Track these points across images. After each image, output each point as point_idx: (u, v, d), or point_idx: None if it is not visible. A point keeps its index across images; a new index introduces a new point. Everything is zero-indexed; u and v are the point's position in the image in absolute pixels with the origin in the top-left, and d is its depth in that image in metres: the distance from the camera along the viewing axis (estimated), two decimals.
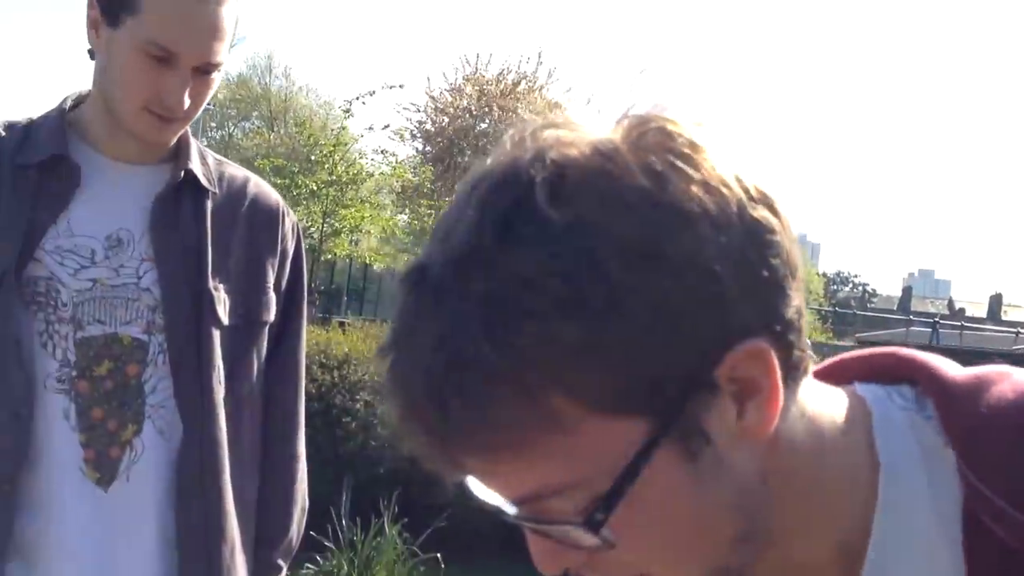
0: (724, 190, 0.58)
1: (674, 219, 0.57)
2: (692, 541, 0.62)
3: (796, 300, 0.61)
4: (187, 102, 1.49)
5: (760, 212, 0.59)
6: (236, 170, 1.72)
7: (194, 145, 1.64)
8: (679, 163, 0.58)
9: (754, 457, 0.62)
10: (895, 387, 0.70)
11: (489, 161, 0.61)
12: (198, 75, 1.49)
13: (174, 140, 1.58)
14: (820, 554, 0.67)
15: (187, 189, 1.60)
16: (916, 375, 0.69)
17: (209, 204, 1.62)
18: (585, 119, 0.62)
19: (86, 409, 1.52)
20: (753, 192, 0.60)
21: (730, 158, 0.60)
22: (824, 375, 0.70)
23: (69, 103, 1.62)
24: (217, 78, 1.54)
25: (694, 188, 0.57)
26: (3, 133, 1.56)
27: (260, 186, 1.73)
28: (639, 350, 0.56)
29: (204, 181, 1.62)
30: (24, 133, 1.56)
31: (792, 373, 0.62)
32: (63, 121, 1.58)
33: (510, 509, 0.61)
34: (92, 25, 1.51)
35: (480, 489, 0.62)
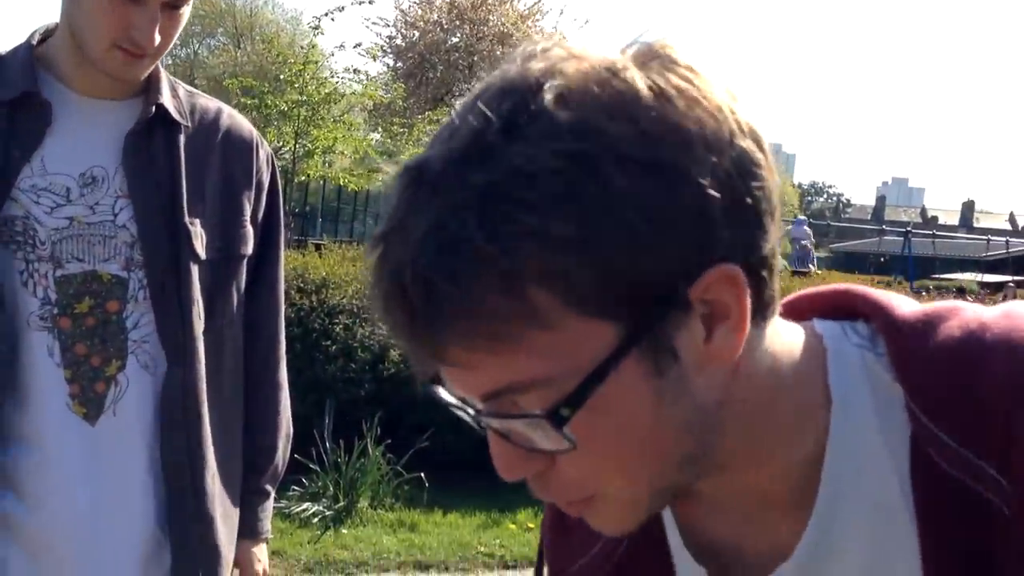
0: (719, 116, 0.61)
1: (673, 134, 0.59)
2: (644, 455, 0.64)
3: (773, 239, 0.64)
4: (157, 38, 1.47)
5: (748, 144, 0.62)
6: (208, 101, 1.70)
7: (165, 78, 1.62)
8: (682, 84, 0.61)
9: (715, 384, 0.64)
10: (851, 323, 0.72)
11: (498, 72, 0.62)
12: (167, 10, 1.48)
13: (145, 75, 1.57)
14: (774, 482, 0.70)
15: (159, 123, 1.59)
16: (869, 313, 0.71)
17: (182, 138, 1.61)
18: (592, 44, 0.64)
19: (69, 345, 1.53)
20: (744, 126, 0.62)
21: (725, 92, 0.63)
22: (786, 310, 0.72)
23: (37, 37, 1.60)
24: (186, 12, 1.52)
25: (693, 110, 0.60)
26: None
27: (233, 117, 1.71)
28: (624, 252, 0.58)
29: (176, 115, 1.61)
30: None
31: (761, 311, 0.65)
32: (32, 57, 1.55)
33: (477, 406, 0.63)
34: None
35: (448, 390, 0.64)
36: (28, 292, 1.52)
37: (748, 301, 0.62)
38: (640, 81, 0.60)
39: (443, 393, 0.65)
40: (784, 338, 0.69)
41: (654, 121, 0.59)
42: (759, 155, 0.62)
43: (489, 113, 0.59)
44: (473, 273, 0.57)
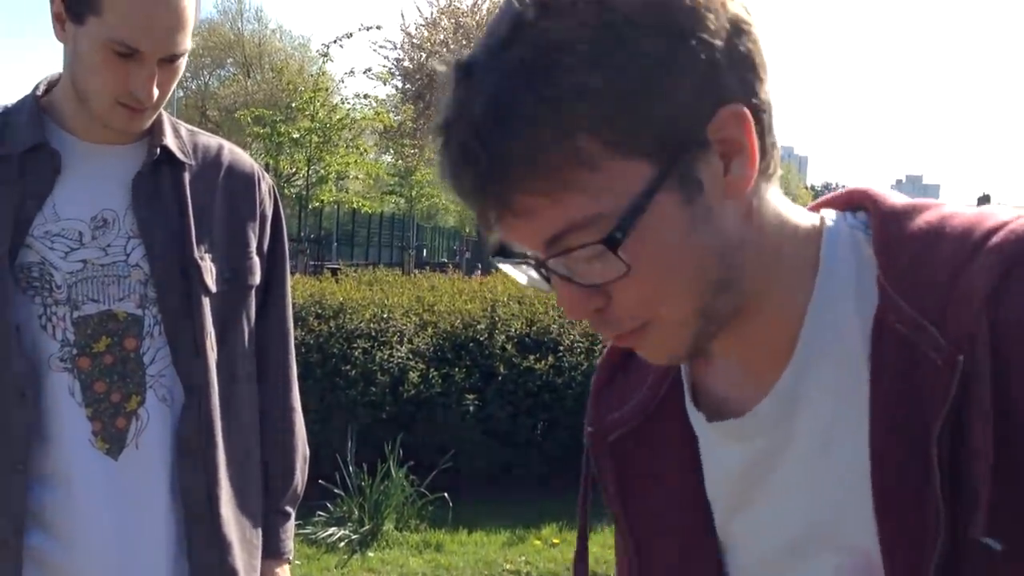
0: None
1: (675, 1, 0.72)
2: (685, 276, 0.75)
3: (767, 88, 0.76)
4: (155, 92, 1.53)
5: (736, 6, 0.74)
6: (209, 139, 1.75)
7: (167, 120, 1.67)
8: None
9: (736, 218, 0.76)
10: (854, 212, 0.84)
11: None
12: (164, 64, 1.53)
13: (148, 125, 1.62)
14: (768, 330, 0.81)
15: (164, 164, 1.64)
16: (865, 202, 0.83)
17: (187, 176, 1.66)
18: None
19: (89, 384, 1.58)
20: None
21: None
22: (809, 210, 0.83)
23: (42, 88, 1.65)
24: (183, 63, 1.57)
25: None
26: None
27: (235, 152, 1.77)
28: (649, 99, 0.70)
29: (180, 155, 1.66)
30: (2, 123, 1.60)
31: (766, 161, 0.76)
32: (38, 108, 1.61)
33: (541, 256, 0.74)
34: (57, 19, 1.54)
35: (512, 249, 0.76)
36: (47, 335, 1.57)
37: (755, 137, 0.74)
38: None
39: (512, 245, 0.76)
40: (790, 207, 0.81)
41: None
42: (748, 18, 0.75)
43: (523, 2, 0.71)
44: (530, 130, 0.69)
